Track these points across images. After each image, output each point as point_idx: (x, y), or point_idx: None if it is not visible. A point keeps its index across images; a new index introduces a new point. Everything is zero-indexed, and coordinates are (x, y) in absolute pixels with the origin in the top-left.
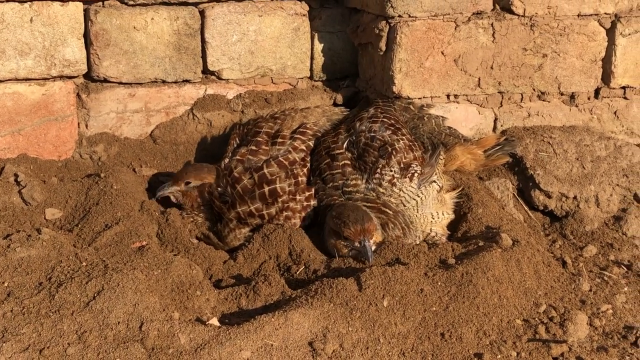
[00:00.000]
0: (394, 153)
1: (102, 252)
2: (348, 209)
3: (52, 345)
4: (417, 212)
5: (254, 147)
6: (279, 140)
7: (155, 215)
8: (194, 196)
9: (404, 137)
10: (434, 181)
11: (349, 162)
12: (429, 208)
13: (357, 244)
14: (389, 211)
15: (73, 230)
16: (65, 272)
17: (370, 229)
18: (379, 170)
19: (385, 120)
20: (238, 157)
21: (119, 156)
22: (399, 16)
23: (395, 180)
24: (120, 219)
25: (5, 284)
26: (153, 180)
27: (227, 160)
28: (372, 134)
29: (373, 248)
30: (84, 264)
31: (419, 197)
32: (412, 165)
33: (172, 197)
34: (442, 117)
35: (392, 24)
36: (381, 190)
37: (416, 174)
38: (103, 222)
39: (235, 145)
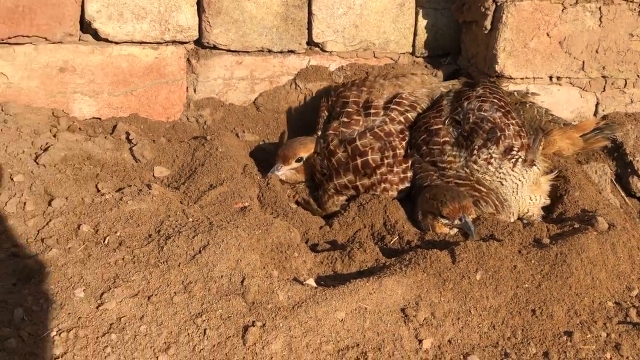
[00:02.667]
0: (503, 139)
1: (207, 210)
2: (442, 189)
3: (160, 293)
4: (517, 194)
5: (345, 119)
6: (372, 110)
7: (257, 179)
8: (300, 169)
9: (513, 122)
10: (535, 164)
11: (448, 139)
12: (527, 191)
13: (457, 221)
14: (482, 188)
15: (180, 188)
16: (173, 226)
17: (468, 206)
18: (476, 148)
19: (495, 101)
20: (332, 132)
21: (223, 121)
22: None
23: (492, 159)
24: (224, 180)
25: (118, 234)
26: (256, 147)
27: (319, 133)
28: (482, 114)
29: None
30: (191, 219)
31: (520, 181)
32: (514, 150)
33: (283, 177)
34: (546, 109)
35: (498, 3)
36: (476, 167)
37: (520, 160)
38: (208, 182)
39: (324, 117)
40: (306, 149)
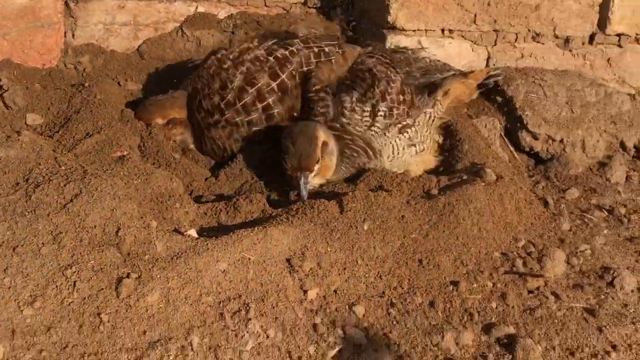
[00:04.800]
0: (377, 83)
1: (82, 159)
2: (295, 136)
3: (26, 244)
4: (397, 155)
5: None
6: None
7: (138, 128)
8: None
9: (397, 76)
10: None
11: (320, 87)
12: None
13: (294, 177)
14: (347, 136)
15: (53, 137)
16: (44, 174)
17: (308, 166)
18: (346, 100)
19: (381, 58)
20: None
21: (104, 68)
22: None
23: (357, 108)
24: (102, 128)
25: None
26: (140, 97)
27: None
28: (362, 66)
29: (313, 182)
30: (63, 168)
31: (397, 142)
32: (394, 110)
33: None
34: (438, 60)
35: None
36: (345, 120)
37: (403, 123)
38: (84, 130)
39: None
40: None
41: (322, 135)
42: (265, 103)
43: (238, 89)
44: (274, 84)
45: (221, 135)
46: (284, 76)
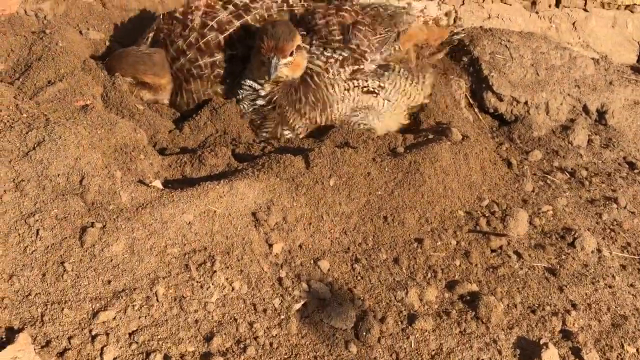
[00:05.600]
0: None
1: (44, 107)
2: (276, 24)
3: None
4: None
5: None
6: None
7: (102, 77)
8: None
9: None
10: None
11: None
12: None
13: (266, 58)
14: (311, 83)
15: (14, 84)
16: (5, 121)
17: (284, 48)
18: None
19: (337, 10)
20: None
21: (66, 16)
22: None
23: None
24: (64, 77)
25: None
26: (102, 47)
27: None
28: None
29: (285, 71)
30: (25, 115)
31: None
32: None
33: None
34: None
35: None
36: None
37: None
38: (46, 78)
39: None
40: None
41: (299, 38)
42: (227, 34)
43: (199, 25)
44: (237, 23)
45: (199, 89)
46: (248, 18)
